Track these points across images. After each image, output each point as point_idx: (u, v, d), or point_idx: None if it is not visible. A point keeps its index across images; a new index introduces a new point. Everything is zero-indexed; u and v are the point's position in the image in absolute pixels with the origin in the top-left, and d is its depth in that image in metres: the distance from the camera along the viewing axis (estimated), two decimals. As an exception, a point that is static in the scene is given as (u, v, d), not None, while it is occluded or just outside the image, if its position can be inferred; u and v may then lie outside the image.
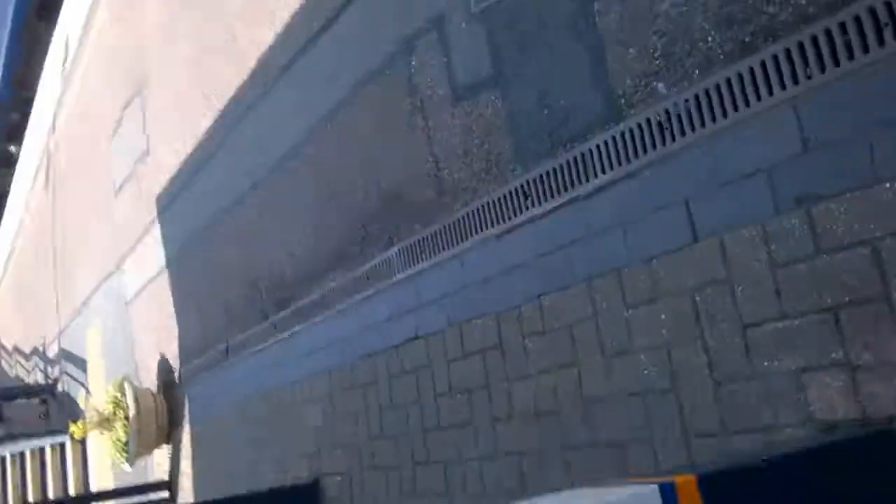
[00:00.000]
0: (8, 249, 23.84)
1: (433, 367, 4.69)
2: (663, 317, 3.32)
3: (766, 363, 2.99)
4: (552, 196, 3.78)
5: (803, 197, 2.77)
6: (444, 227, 4.58)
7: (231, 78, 7.12)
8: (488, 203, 4.22)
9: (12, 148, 19.13)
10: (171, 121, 8.72)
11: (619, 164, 3.43)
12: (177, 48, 8.26)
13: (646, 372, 3.43)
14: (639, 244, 3.38)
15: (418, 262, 4.80)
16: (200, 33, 7.61)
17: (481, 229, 4.29)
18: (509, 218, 4.08)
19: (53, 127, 15.55)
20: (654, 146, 3.28)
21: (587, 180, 3.59)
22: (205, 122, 7.73)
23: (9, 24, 12.96)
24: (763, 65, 2.86)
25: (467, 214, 4.39)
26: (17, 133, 18.33)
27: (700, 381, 3.19)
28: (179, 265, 8.84)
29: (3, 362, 26.75)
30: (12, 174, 20.42)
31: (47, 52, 14.63)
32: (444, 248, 4.58)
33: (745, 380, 3.07)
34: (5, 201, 21.91)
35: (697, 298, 3.17)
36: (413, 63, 4.72)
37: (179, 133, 8.45)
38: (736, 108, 2.96)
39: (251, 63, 6.73)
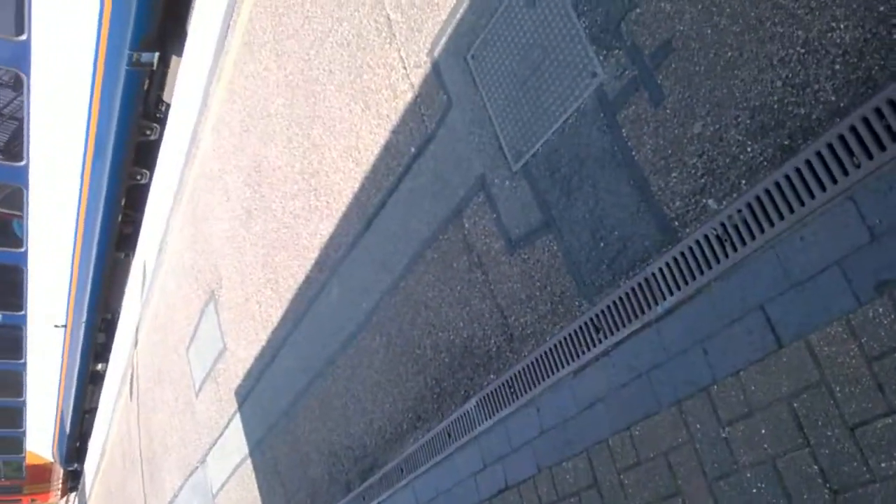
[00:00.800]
0: (97, 460, 23.83)
1: (528, 518, 4.32)
2: (763, 430, 3.05)
3: (883, 464, 2.68)
4: (623, 325, 3.63)
5: (883, 283, 2.60)
6: (518, 373, 4.40)
7: (297, 271, 7.28)
8: (559, 343, 4.06)
9: (100, 366, 19.89)
10: (243, 318, 8.86)
11: (686, 282, 3.30)
12: (245, 253, 8.56)
13: (755, 491, 3.10)
14: (722, 359, 3.18)
15: (497, 412, 4.57)
16: (265, 236, 7.90)
17: (556, 370, 4.10)
18: (582, 353, 3.90)
19: (136, 342, 16.05)
20: (717, 260, 3.16)
21: (656, 304, 3.45)
22: (276, 314, 7.83)
23: (93, 258, 14.04)
24: (808, 163, 2.79)
25: (539, 357, 4.22)
26: (103, 353, 19.17)
27: (816, 493, 2.86)
28: (262, 451, 8.61)
29: (96, 574, 25.96)
30: (100, 390, 21.05)
31: (127, 277, 15.62)
32: (521, 395, 4.38)
33: (865, 484, 2.74)
34: (94, 415, 22.42)
35: (795, 405, 2.92)
36: (465, 225, 4.76)
37: (252, 328, 8.55)
38: (791, 210, 2.87)
39: (314, 254, 6.90)
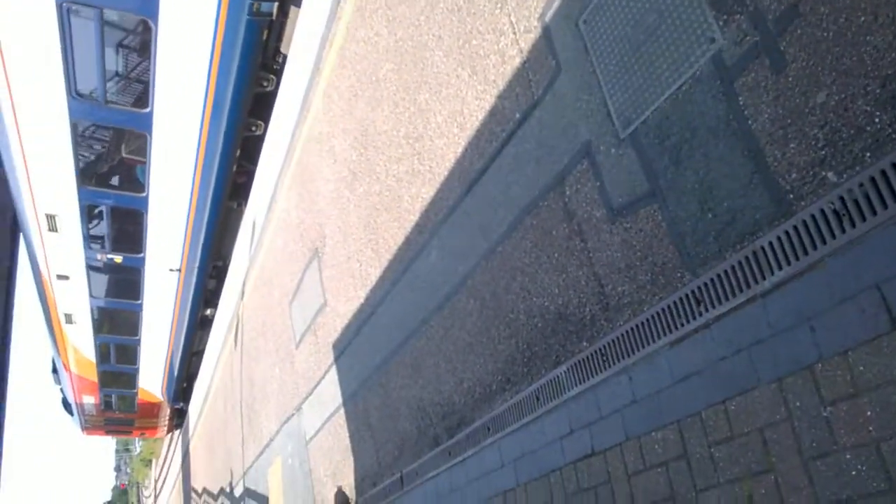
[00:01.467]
0: (200, 403, 25.25)
1: (612, 483, 4.31)
2: (868, 412, 2.91)
3: None
4: (726, 299, 3.52)
5: None
6: (612, 341, 4.36)
7: (397, 232, 7.43)
8: (657, 313, 3.99)
9: (209, 312, 20.81)
10: (344, 276, 9.14)
11: (797, 258, 3.16)
12: (348, 214, 8.80)
13: (854, 473, 2.97)
14: (830, 337, 3.04)
15: (588, 379, 4.55)
16: (368, 198, 8.08)
17: (652, 340, 4.04)
18: (681, 325, 3.82)
19: (242, 294, 16.76)
20: (832, 235, 3.01)
21: (763, 278, 3.32)
22: (375, 273, 8.03)
23: (208, 206, 14.79)
24: (946, 138, 2.60)
25: (635, 326, 4.16)
26: (213, 298, 20.25)
27: (924, 481, 2.71)
28: (355, 403, 8.92)
29: (193, 503, 27.66)
30: (208, 335, 22.37)
31: (238, 229, 16.18)
32: (614, 363, 4.34)
33: (980, 476, 2.58)
34: (201, 358, 23.65)
35: (907, 388, 2.76)
36: (567, 192, 4.72)
37: (352, 285, 8.82)
38: (921, 185, 2.68)
39: (414, 217, 7.01)
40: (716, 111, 3.56)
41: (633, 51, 4.06)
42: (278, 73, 12.00)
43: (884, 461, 2.85)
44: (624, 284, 4.28)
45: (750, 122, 3.40)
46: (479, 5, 5.62)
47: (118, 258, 16.48)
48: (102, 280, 17.85)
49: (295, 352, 11.81)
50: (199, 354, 24.07)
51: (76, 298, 18.43)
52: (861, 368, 2.92)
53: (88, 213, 14.75)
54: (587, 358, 4.59)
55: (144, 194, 14.21)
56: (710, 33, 3.57)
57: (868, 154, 2.89)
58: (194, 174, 13.64)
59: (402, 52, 7.03)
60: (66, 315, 19.46)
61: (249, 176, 14.59)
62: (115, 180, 14.14)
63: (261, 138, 13.30)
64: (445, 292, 6.44)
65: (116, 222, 15.21)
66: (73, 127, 12.10)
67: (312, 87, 9.91)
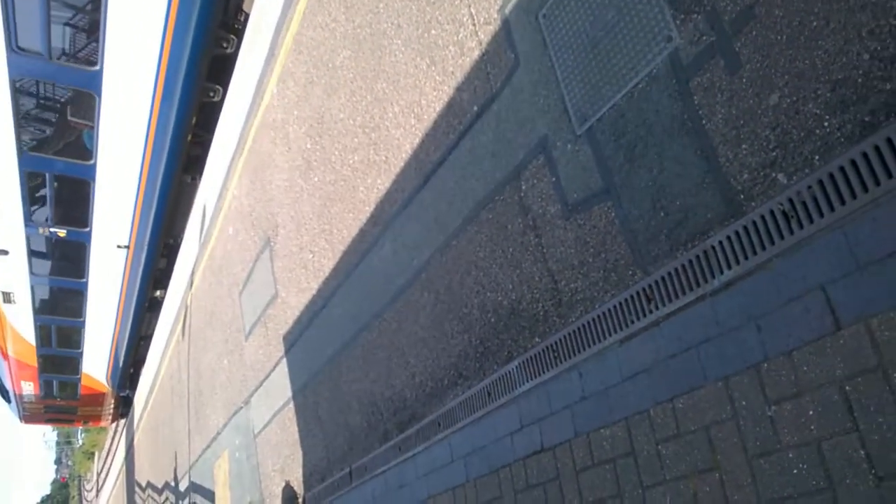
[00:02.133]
0: (146, 394, 24.67)
1: (561, 480, 4.34)
2: (811, 412, 2.97)
3: (937, 455, 2.59)
4: (676, 297, 3.57)
5: (958, 271, 2.48)
6: (564, 337, 4.38)
7: (351, 223, 7.35)
8: (609, 310, 4.02)
9: (158, 293, 19.97)
10: (296, 267, 9.02)
11: (746, 257, 3.21)
12: (302, 203, 8.67)
13: (795, 472, 3.04)
14: (775, 337, 3.10)
15: (539, 375, 4.57)
16: (323, 187, 7.98)
17: (603, 337, 4.07)
18: (631, 322, 3.85)
19: (191, 283, 16.39)
20: (780, 236, 3.07)
21: (713, 277, 3.37)
22: (328, 264, 7.94)
23: (160, 178, 13.85)
24: (889, 141, 2.67)
25: (587, 323, 4.19)
26: (163, 279, 19.09)
27: (859, 478, 2.79)
28: (305, 396, 8.82)
29: (137, 498, 27.04)
30: (157, 318, 21.25)
31: (191, 208, 15.63)
32: (565, 359, 4.36)
33: (914, 475, 2.66)
34: (149, 342, 22.91)
35: (848, 388, 2.83)
36: (522, 187, 4.72)
37: (304, 276, 8.70)
38: (865, 189, 2.76)
39: (369, 208, 6.94)
40: (671, 110, 3.60)
41: (591, 47, 4.07)
42: (239, 34, 11.36)
43: (824, 460, 2.91)
44: (577, 281, 4.30)
45: (704, 121, 3.43)
46: (438, -5, 5.58)
47: (62, 232, 15.29)
48: (44, 256, 16.63)
49: (244, 343, 11.62)
50: (147, 339, 22.94)
51: (15, 275, 17.07)
52: (805, 368, 2.98)
53: (30, 182, 13.57)
54: (539, 354, 4.61)
55: (92, 162, 13.15)
56: (667, 31, 3.60)
57: (817, 157, 2.94)
58: (146, 142, 12.74)
59: (360, 40, 6.94)
60: (3, 294, 18.18)
61: (205, 147, 13.62)
62: (60, 146, 12.98)
63: (218, 105, 12.40)
64: (399, 285, 6.40)
65: (61, 192, 14.05)
66: (13, 84, 11.21)
67: (267, 73, 9.72)
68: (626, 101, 3.86)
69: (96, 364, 23.61)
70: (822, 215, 2.91)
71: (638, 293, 3.81)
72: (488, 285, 5.14)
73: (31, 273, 17.04)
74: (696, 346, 3.47)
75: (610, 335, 4.03)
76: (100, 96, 11.64)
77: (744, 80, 3.24)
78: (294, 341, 9.21)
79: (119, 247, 16.05)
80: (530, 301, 4.72)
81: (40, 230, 15.17)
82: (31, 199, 14.13)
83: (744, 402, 3.23)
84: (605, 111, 4.00)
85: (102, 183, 13.87)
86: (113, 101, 11.80)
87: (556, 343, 4.44)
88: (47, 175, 13.52)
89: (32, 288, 17.81)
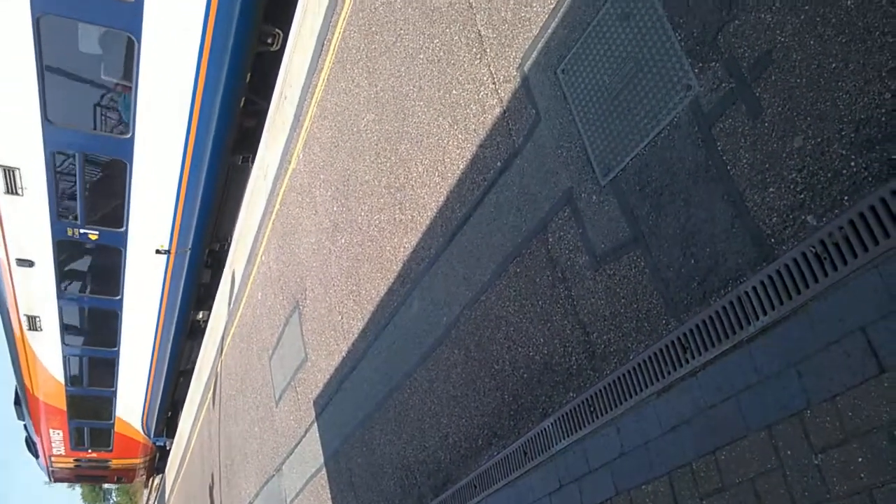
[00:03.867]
0: (177, 464, 24.49)
1: (604, 541, 4.23)
2: (859, 459, 2.90)
3: None
4: (712, 345, 3.53)
5: None
6: (599, 391, 4.33)
7: (379, 283, 7.42)
8: (644, 361, 3.98)
9: (200, 315, 17.07)
10: (325, 329, 9.09)
11: (781, 302, 3.19)
12: (329, 265, 8.80)
13: (850, 524, 2.94)
14: (817, 383, 3.05)
15: (576, 431, 4.51)
16: (350, 249, 8.11)
17: (640, 389, 4.02)
18: (668, 373, 3.81)
19: (221, 350, 16.42)
20: (815, 279, 3.05)
21: (748, 324, 3.34)
22: (357, 325, 7.99)
23: (207, 158, 11.54)
24: (921, 180, 2.67)
25: (622, 376, 4.15)
26: (206, 298, 16.55)
27: (920, 530, 2.69)
28: (337, 462, 8.76)
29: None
30: (198, 348, 18.26)
31: (243, 197, 13.06)
32: (601, 414, 4.31)
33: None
34: (189, 380, 19.73)
35: (897, 433, 2.76)
36: (550, 240, 4.75)
37: (334, 339, 8.76)
38: (900, 228, 2.74)
39: (396, 267, 7.02)
40: (695, 157, 3.64)
41: (611, 98, 4.16)
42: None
43: (878, 510, 2.82)
44: (609, 332, 4.28)
45: (729, 167, 3.46)
46: (458, 56, 5.75)
47: (94, 234, 12.59)
48: (74, 264, 13.80)
49: (275, 409, 11.62)
50: (186, 375, 19.41)
51: (42, 291, 14.00)
52: (850, 414, 2.92)
53: (55, 166, 11.12)
54: (574, 409, 4.56)
55: (129, 136, 10.89)
56: (686, 80, 3.67)
57: (846, 197, 2.95)
58: (192, 109, 10.52)
59: (383, 103, 7.14)
60: (28, 318, 15.11)
61: (260, 120, 11.37)
62: (89, 118, 10.78)
63: (277, 55, 10.36)
64: (429, 344, 6.41)
65: (92, 181, 11.72)
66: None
67: (293, 139, 10.01)
68: (649, 151, 3.92)
69: (131, 407, 20.09)
70: (855, 256, 2.89)
71: (673, 343, 3.78)
72: (519, 340, 5.13)
73: (59, 291, 14.17)
74: (736, 394, 3.42)
75: (646, 387, 3.99)
76: (139, 40, 9.71)
77: (766, 124, 3.28)
78: (325, 405, 9.20)
79: (158, 251, 13.11)
80: (563, 355, 4.70)
81: (69, 231, 12.57)
82: (59, 188, 11.76)
83: (789, 452, 3.16)
84: (629, 161, 4.05)
85: (140, 166, 11.58)
86: (153, 46, 9.82)
87: (591, 397, 4.40)
88: (76, 154, 11.21)
89: (61, 310, 14.92)
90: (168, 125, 10.85)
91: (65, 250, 13.21)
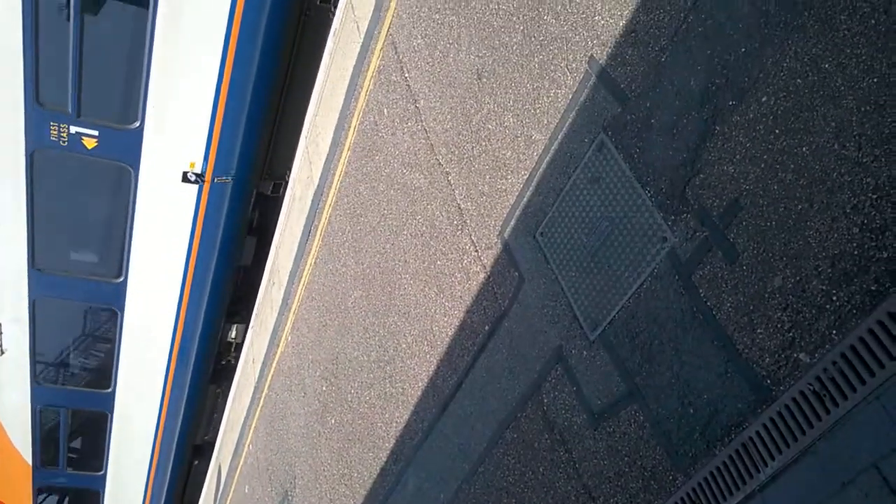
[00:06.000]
0: None
1: None
2: None
3: None
4: (724, 498, 3.37)
5: None
6: (612, 561, 4.04)
7: (372, 464, 7.14)
8: (654, 523, 3.76)
9: (233, 335, 12.24)
10: (316, 518, 8.57)
11: (787, 445, 3.09)
12: (319, 449, 8.49)
13: None
14: (840, 529, 2.87)
15: None
16: (340, 429, 7.87)
17: (653, 555, 3.76)
18: (682, 534, 3.59)
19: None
20: (817, 417, 2.98)
21: (757, 471, 3.21)
22: (349, 511, 7.57)
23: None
24: (903, 308, 2.69)
25: (634, 541, 3.89)
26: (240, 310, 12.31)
27: None
28: None
29: None
30: (222, 408, 13.80)
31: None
32: (616, 587, 3.98)
33: None
34: (205, 464, 14.81)
35: (936, 580, 2.57)
36: (544, 401, 4.66)
37: (325, 528, 8.24)
38: (891, 356, 2.73)
39: (389, 444, 6.79)
40: (679, 305, 3.68)
41: (591, 256, 4.28)
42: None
43: None
44: (616, 495, 4.07)
45: (714, 312, 3.50)
46: (440, 229, 5.96)
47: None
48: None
49: None
50: (202, 455, 15.02)
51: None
52: (881, 562, 2.73)
53: None
54: (587, 585, 4.22)
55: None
56: (661, 233, 3.81)
57: (834, 332, 2.96)
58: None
59: (370, 279, 7.27)
60: None
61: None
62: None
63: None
64: (427, 526, 6.04)
65: None
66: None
67: (281, 323, 10.04)
68: (634, 303, 3.96)
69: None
70: (854, 389, 2.85)
71: (682, 499, 3.60)
72: (522, 513, 4.85)
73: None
74: (758, 551, 3.20)
75: (661, 553, 3.73)
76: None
77: (744, 268, 3.36)
78: None
79: (186, 177, 9.58)
80: (569, 525, 4.43)
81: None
82: None
83: None
84: (615, 314, 4.08)
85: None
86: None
87: (604, 569, 4.09)
88: None
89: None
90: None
91: None
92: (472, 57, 5.40)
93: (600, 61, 4.19)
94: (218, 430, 14.01)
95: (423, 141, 6.14)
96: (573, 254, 4.42)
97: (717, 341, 3.47)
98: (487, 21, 5.19)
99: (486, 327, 5.26)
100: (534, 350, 4.76)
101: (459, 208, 5.70)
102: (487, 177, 5.31)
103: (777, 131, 3.20)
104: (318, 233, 8.74)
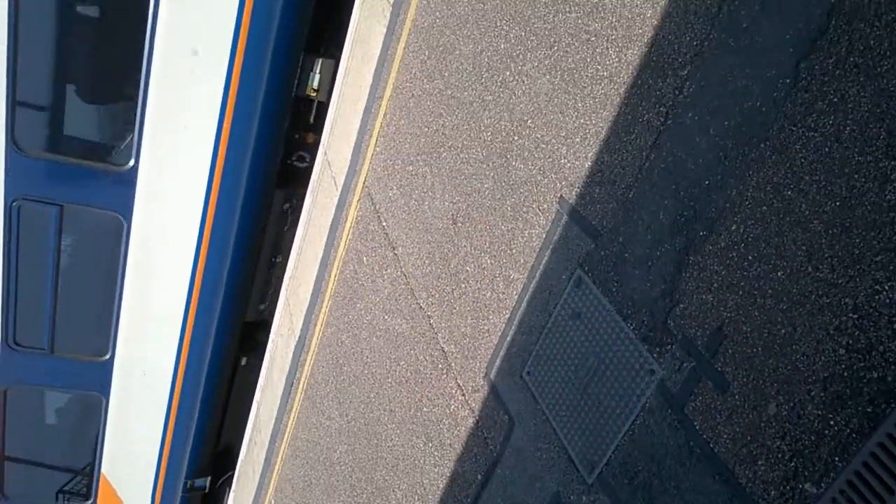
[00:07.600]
0: None
1: None
2: None
3: None
4: None
5: None
6: None
7: None
8: None
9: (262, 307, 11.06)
10: None
11: (807, 585, 2.89)
12: None
13: None
14: None
15: None
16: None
17: None
18: None
19: None
20: (835, 552, 2.81)
21: None
22: None
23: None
24: (903, 428, 2.63)
25: None
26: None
27: None
28: None
29: None
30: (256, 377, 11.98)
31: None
32: None
33: None
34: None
35: None
36: (545, 554, 4.39)
37: None
38: (899, 481, 2.62)
39: None
40: (675, 440, 3.57)
41: (580, 392, 4.19)
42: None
43: None
44: None
45: (712, 445, 3.39)
46: (425, 374, 5.86)
47: None
48: None
49: None
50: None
51: None
52: None
53: None
54: None
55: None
56: (648, 366, 3.76)
57: (836, 458, 2.86)
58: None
59: (355, 432, 7.04)
60: None
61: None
62: None
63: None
64: None
65: None
66: None
67: (263, 486, 9.60)
68: (629, 440, 3.84)
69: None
70: (868, 519, 2.72)
71: None
72: None
73: None
74: None
75: None
76: None
77: (737, 397, 3.30)
78: None
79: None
80: None
81: None
82: None
83: None
84: (611, 454, 3.94)
85: None
86: None
87: None
88: None
89: None
90: None
91: None
92: (446, 203, 5.55)
93: (570, 201, 4.32)
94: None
95: (404, 286, 6.18)
96: (562, 392, 4.34)
97: (719, 475, 3.33)
98: (459, 169, 5.39)
99: (479, 476, 5.04)
100: (530, 498, 4.54)
101: (443, 351, 5.64)
102: (469, 318, 5.30)
103: (750, 258, 3.26)
104: (301, 385, 8.56)
